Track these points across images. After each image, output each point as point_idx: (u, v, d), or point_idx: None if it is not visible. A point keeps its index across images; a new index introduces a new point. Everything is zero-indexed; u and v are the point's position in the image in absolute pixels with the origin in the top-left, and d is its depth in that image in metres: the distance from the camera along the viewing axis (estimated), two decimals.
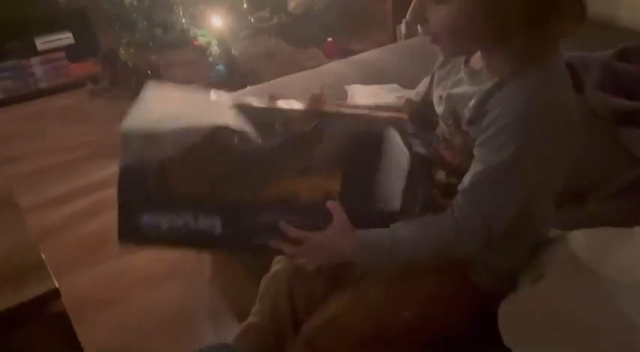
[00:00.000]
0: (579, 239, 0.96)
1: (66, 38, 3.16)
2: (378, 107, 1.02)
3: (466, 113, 0.86)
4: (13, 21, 3.01)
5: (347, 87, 1.80)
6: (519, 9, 0.75)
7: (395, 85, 1.76)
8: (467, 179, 0.85)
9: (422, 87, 1.09)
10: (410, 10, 0.84)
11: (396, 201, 0.89)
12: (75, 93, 3.09)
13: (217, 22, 2.58)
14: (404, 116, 0.90)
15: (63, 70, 3.16)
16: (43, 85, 3.12)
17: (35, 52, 3.09)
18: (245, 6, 2.67)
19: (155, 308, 1.64)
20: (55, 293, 0.86)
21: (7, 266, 0.89)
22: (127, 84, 2.93)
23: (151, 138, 0.82)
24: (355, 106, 0.99)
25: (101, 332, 1.56)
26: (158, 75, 2.91)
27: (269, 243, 0.89)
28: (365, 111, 0.91)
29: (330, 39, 3.07)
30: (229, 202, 0.87)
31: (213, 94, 0.90)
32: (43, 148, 2.58)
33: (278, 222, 0.88)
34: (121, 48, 2.66)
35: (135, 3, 2.66)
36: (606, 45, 1.57)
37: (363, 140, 0.88)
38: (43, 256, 0.92)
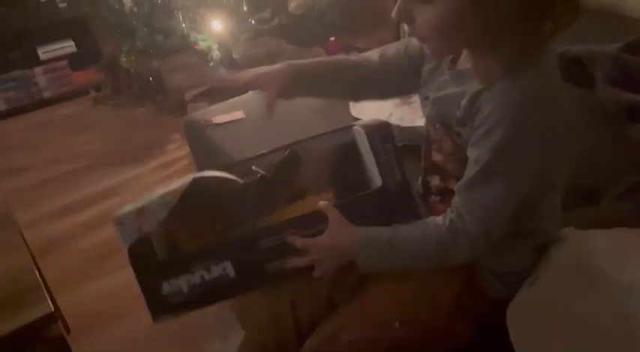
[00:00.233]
0: (591, 240, 0.94)
1: (68, 46, 3.15)
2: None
3: (457, 113, 0.84)
4: (15, 31, 3.01)
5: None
6: (509, 9, 0.73)
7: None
8: (463, 180, 0.83)
9: (392, 50, 1.05)
10: (395, 9, 0.81)
11: (377, 179, 0.92)
12: (78, 102, 3.09)
13: (217, 25, 2.56)
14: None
15: (66, 79, 3.16)
16: (46, 94, 3.12)
17: (38, 62, 3.10)
18: (245, 8, 2.63)
19: None
20: (52, 317, 0.84)
21: (3, 290, 0.87)
22: (129, 91, 2.92)
23: (141, 211, 0.87)
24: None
25: (107, 347, 1.54)
26: (160, 81, 2.89)
27: (284, 265, 0.90)
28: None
29: (332, 38, 3.03)
30: (232, 240, 0.91)
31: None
32: (47, 158, 2.58)
33: (283, 243, 0.89)
34: (122, 55, 2.65)
35: (135, 9, 2.64)
36: (614, 36, 1.53)
37: (340, 151, 0.94)
38: (39, 278, 0.90)
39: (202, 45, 2.55)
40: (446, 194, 0.91)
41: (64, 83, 3.16)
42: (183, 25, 2.55)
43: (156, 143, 2.59)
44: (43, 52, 3.11)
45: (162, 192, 0.90)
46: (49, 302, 0.85)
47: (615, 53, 1.42)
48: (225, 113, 1.63)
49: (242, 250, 0.89)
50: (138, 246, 0.87)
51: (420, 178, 1.01)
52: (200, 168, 1.31)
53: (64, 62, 3.15)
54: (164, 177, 2.32)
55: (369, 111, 1.50)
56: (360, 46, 2.82)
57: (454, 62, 0.90)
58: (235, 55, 2.72)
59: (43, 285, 0.88)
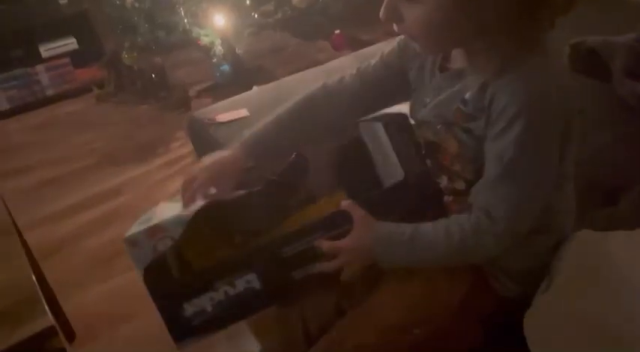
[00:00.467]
0: (608, 242, 0.90)
1: (70, 43, 3.13)
2: None
3: (461, 110, 0.82)
4: (16, 28, 2.99)
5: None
6: (502, 2, 0.71)
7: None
8: (486, 178, 0.81)
9: (369, 66, 1.00)
10: (382, 9, 0.79)
11: (398, 172, 0.89)
12: (81, 100, 3.07)
13: (220, 20, 2.52)
14: None
15: (68, 76, 3.14)
16: (49, 92, 3.10)
17: (40, 59, 3.08)
18: (248, 2, 2.60)
19: None
20: (52, 331, 0.80)
21: (1, 302, 0.84)
22: (132, 87, 2.90)
23: (154, 230, 0.83)
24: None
25: (113, 350, 1.52)
26: (163, 77, 2.86)
27: (311, 271, 0.86)
28: None
29: (337, 31, 2.99)
30: (254, 251, 0.86)
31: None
32: (51, 158, 2.56)
33: (308, 248, 0.85)
34: (124, 51, 2.62)
35: (136, 5, 2.61)
36: (623, 25, 1.48)
37: (347, 150, 0.92)
38: (39, 289, 0.87)
39: (205, 40, 2.52)
40: (457, 194, 0.89)
41: (66, 81, 3.14)
42: (185, 20, 2.52)
43: (160, 141, 2.57)
44: (45, 50, 3.09)
45: (171, 209, 0.86)
46: (49, 315, 0.82)
47: (631, 43, 1.38)
48: (228, 111, 1.59)
49: (266, 260, 0.84)
50: (154, 268, 0.82)
51: None
52: None
53: (66, 59, 3.13)
54: (168, 176, 2.29)
55: None
56: (365, 38, 2.78)
57: (445, 60, 0.88)
58: (239, 51, 2.69)
59: (42, 297, 0.85)
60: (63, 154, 2.57)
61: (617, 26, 1.46)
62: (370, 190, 0.90)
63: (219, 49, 2.54)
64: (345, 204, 0.86)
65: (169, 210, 0.92)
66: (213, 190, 0.95)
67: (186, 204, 0.93)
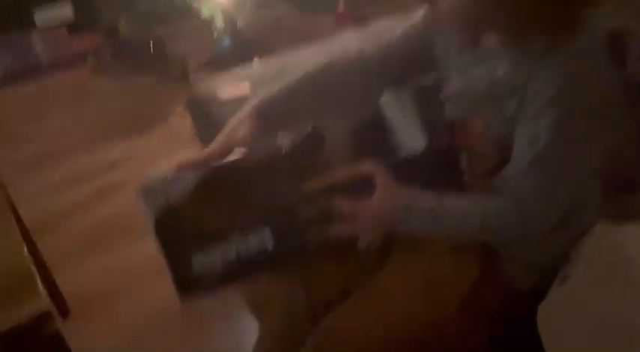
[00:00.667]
0: (627, 234, 0.89)
1: (65, 10, 3.05)
2: None
3: (493, 88, 0.80)
4: None
5: None
6: None
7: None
8: (517, 162, 0.79)
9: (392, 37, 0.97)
10: None
11: (421, 142, 0.88)
12: (77, 69, 3.01)
13: None
14: None
15: (64, 44, 3.09)
16: (43, 60, 3.05)
17: (34, 27, 3.00)
18: None
19: (165, 301, 1.56)
20: (47, 315, 0.77)
21: None
22: (129, 59, 2.84)
23: (169, 181, 0.82)
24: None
25: (109, 329, 1.50)
26: (161, 48, 2.80)
27: (326, 235, 0.83)
28: None
29: (341, 6, 2.94)
30: (271, 208, 0.84)
31: None
32: (46, 130, 2.52)
33: (327, 209, 0.83)
34: (122, 21, 2.55)
35: None
36: None
37: (364, 128, 0.92)
38: (34, 270, 0.83)
39: (206, 13, 2.45)
40: (478, 176, 0.87)
41: (62, 49, 3.08)
42: None
43: (158, 114, 2.52)
44: (40, 16, 3.01)
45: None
46: (45, 297, 0.79)
47: None
48: (230, 86, 1.54)
49: (282, 218, 0.82)
50: (166, 216, 0.80)
51: None
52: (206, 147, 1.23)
53: (62, 27, 3.05)
54: (167, 150, 2.24)
55: None
56: (369, 10, 2.73)
57: (476, 36, 0.85)
58: (239, 23, 2.63)
59: (38, 278, 0.82)
60: (58, 126, 2.53)
61: None
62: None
63: (219, 22, 2.48)
64: (368, 167, 0.84)
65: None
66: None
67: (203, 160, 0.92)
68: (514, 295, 0.89)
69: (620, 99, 1.20)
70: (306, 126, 0.92)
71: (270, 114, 0.93)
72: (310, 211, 0.83)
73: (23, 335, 0.77)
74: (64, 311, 1.56)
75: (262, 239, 0.82)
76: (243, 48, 2.69)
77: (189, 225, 0.82)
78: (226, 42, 2.70)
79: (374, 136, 0.94)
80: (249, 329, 1.16)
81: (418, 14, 0.94)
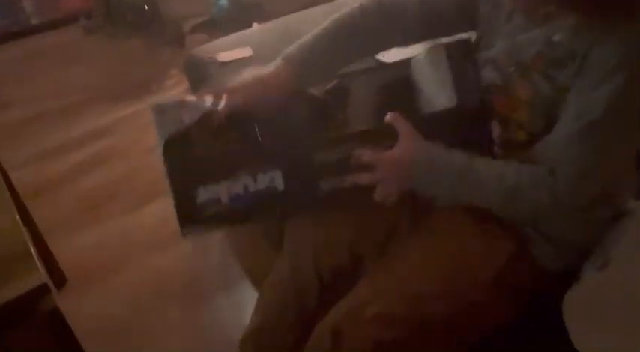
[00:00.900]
0: None
1: None
2: None
3: (547, 54, 0.76)
4: None
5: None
6: None
7: None
8: (561, 131, 0.75)
9: None
10: None
11: (451, 99, 0.83)
12: (68, 30, 2.93)
13: None
14: None
15: (54, 4, 2.99)
16: (33, 20, 2.98)
17: None
18: None
19: (163, 272, 1.53)
20: (44, 289, 0.74)
21: None
22: (122, 20, 2.76)
23: (184, 104, 0.79)
24: None
25: (107, 301, 1.47)
26: (155, 9, 2.71)
27: (341, 184, 0.80)
28: None
29: None
30: (286, 149, 0.81)
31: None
32: (36, 93, 2.44)
33: (344, 158, 0.79)
34: None
35: None
36: None
37: (390, 88, 0.88)
38: (31, 245, 0.79)
39: None
40: (512, 146, 0.83)
41: (52, 9, 3.00)
42: None
43: (153, 77, 2.46)
44: None
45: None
46: (42, 271, 0.75)
47: None
48: (230, 49, 1.47)
49: (296, 161, 0.79)
50: (176, 140, 0.77)
51: None
52: None
53: None
54: None
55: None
56: None
57: (537, 4, 0.80)
58: None
59: (34, 252, 0.78)
60: (49, 89, 2.46)
61: None
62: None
63: None
64: (392, 116, 0.80)
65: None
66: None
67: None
68: (540, 277, 0.85)
69: None
70: (333, 81, 0.89)
71: (307, 67, 0.88)
72: (328, 157, 0.80)
73: (20, 310, 0.74)
74: (60, 280, 1.52)
75: (272, 179, 0.79)
76: (240, 11, 2.61)
77: (198, 155, 0.79)
78: (223, 4, 2.63)
79: (400, 95, 0.90)
80: (250, 301, 1.13)
81: None
